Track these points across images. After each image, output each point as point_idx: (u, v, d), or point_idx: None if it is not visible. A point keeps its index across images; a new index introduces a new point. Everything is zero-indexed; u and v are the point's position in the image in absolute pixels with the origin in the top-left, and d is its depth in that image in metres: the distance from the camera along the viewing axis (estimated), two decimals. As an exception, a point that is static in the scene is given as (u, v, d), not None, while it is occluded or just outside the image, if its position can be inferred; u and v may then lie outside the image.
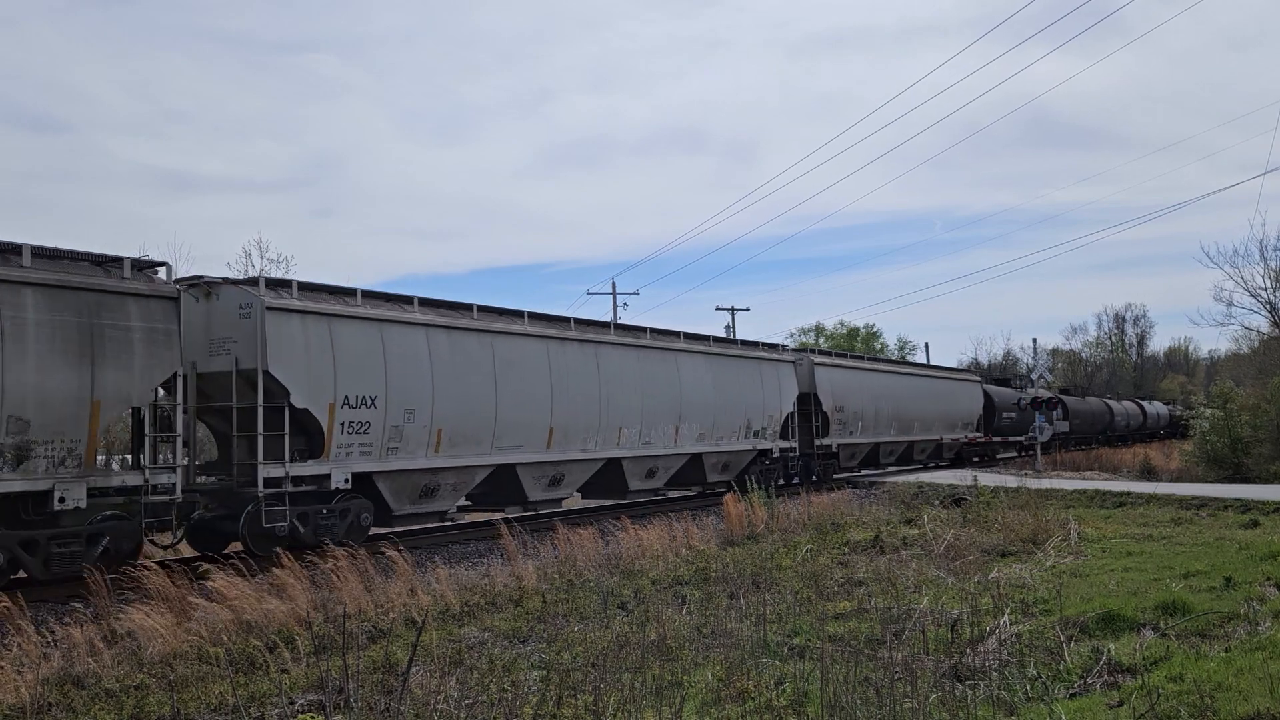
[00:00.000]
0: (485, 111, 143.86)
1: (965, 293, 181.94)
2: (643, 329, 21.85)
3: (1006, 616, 9.19)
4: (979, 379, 42.94)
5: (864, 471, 32.19)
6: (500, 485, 17.81)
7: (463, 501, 17.74)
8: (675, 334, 22.83)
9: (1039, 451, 35.18)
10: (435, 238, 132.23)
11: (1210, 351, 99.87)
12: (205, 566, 11.44)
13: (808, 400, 27.18)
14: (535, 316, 18.87)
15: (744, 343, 26.12)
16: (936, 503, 21.89)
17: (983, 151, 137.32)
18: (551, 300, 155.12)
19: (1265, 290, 38.79)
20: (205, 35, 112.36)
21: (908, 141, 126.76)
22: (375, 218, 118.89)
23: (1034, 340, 68.07)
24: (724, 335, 26.26)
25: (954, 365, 52.93)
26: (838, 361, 30.02)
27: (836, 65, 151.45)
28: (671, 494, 23.72)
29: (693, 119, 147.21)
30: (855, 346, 68.97)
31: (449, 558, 15.18)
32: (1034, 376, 41.37)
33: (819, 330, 71.85)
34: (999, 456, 42.75)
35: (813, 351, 29.04)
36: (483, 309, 17.76)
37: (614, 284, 49.69)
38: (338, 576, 11.47)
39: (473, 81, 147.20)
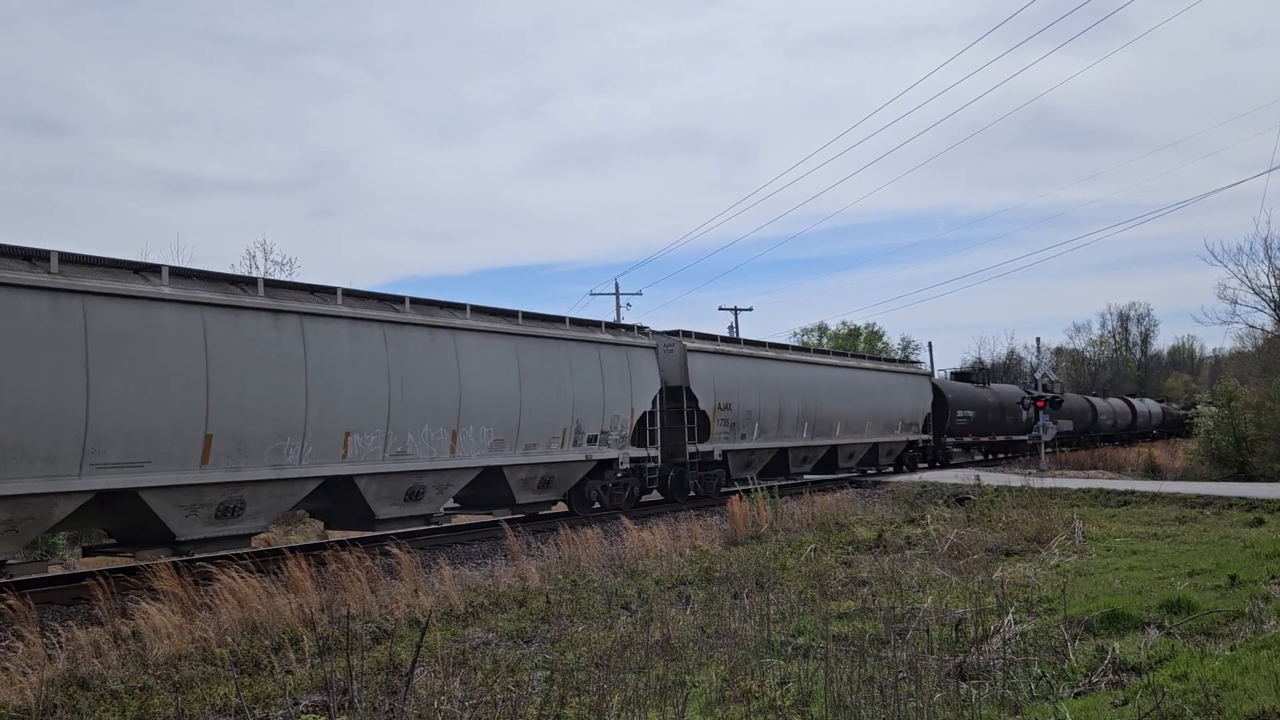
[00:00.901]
0: (485, 112, 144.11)
1: (968, 292, 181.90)
2: (400, 299, 15.77)
3: (1011, 615, 9.18)
4: (927, 373, 38.19)
5: (771, 483, 24.04)
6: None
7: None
8: (457, 307, 16.87)
9: (1042, 451, 35.12)
10: (436, 238, 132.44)
11: (1215, 350, 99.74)
12: (207, 569, 11.47)
13: (680, 396, 22.50)
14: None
15: (577, 322, 20.04)
16: (940, 502, 21.88)
17: (985, 151, 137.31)
18: (554, 301, 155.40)
19: (1270, 288, 38.80)
20: (205, 36, 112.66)
21: (909, 141, 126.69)
22: (376, 218, 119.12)
23: (1037, 339, 68.13)
24: (549, 314, 18.73)
25: (896, 357, 47.51)
26: (723, 348, 24.50)
27: (837, 65, 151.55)
28: (457, 520, 18.66)
29: (693, 119, 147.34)
30: (857, 346, 68.89)
31: (453, 558, 15.19)
32: (1037, 376, 40.40)
33: (822, 330, 71.92)
34: (953, 463, 37.99)
35: (686, 335, 23.29)
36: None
37: (617, 284, 49.66)
38: (346, 572, 11.49)
39: (473, 82, 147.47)
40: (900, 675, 6.95)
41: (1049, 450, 38.65)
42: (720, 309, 53.46)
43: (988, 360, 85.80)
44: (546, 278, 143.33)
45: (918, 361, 47.44)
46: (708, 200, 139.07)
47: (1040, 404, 34.54)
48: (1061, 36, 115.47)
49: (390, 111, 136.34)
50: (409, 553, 12.90)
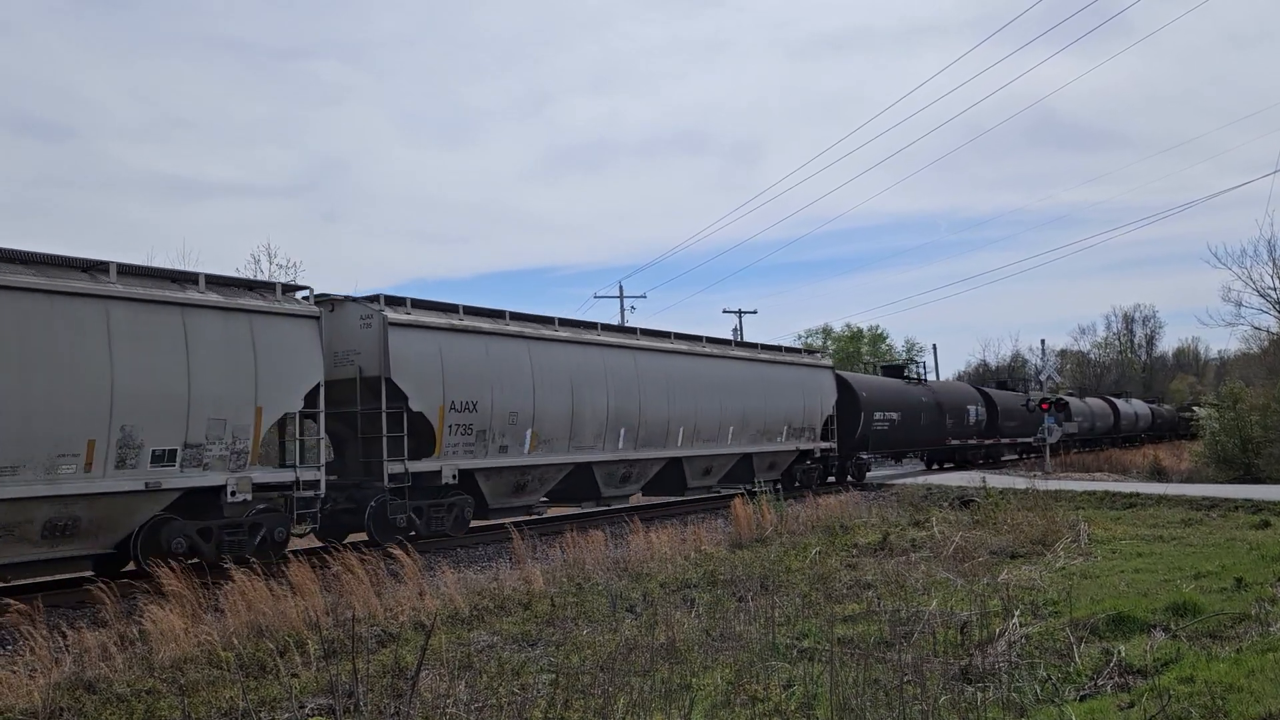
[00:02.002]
0: (487, 114, 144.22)
1: (972, 294, 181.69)
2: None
3: (1016, 618, 9.17)
4: (829, 365, 29.95)
5: (549, 514, 20.16)
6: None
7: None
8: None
9: (1048, 453, 35.07)
10: (440, 241, 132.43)
11: (1220, 352, 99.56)
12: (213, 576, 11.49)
13: (379, 391, 15.91)
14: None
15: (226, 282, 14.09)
16: (945, 504, 21.86)
17: (987, 153, 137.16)
18: (557, 303, 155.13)
19: (1274, 290, 38.68)
20: (207, 41, 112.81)
21: (912, 144, 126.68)
22: (380, 221, 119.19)
23: (1042, 341, 67.96)
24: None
25: (791, 345, 36.57)
26: (464, 323, 17.40)
27: (839, 66, 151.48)
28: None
29: (695, 121, 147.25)
30: (860, 349, 68.86)
31: (457, 561, 15.20)
32: (1042, 378, 39.94)
33: (826, 332, 71.87)
34: (869, 477, 31.22)
35: (395, 302, 16.47)
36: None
37: (621, 287, 49.43)
38: (352, 573, 11.51)
39: (474, 84, 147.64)
40: (905, 678, 6.95)
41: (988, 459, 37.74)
42: (724, 311, 53.28)
43: (992, 363, 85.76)
44: (550, 280, 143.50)
45: (816, 350, 39.08)
46: (710, 202, 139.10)
47: (1045, 406, 34.51)
48: (1064, 38, 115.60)
49: (392, 114, 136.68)
50: (412, 556, 12.92)
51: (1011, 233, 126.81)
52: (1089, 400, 55.53)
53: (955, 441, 37.18)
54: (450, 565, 14.39)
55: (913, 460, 39.64)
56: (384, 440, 15.82)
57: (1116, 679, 7.41)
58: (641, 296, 65.55)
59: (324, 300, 16.00)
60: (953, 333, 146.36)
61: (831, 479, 29.07)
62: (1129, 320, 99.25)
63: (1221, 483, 27.37)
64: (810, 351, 32.61)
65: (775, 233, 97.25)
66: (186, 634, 9.51)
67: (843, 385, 29.52)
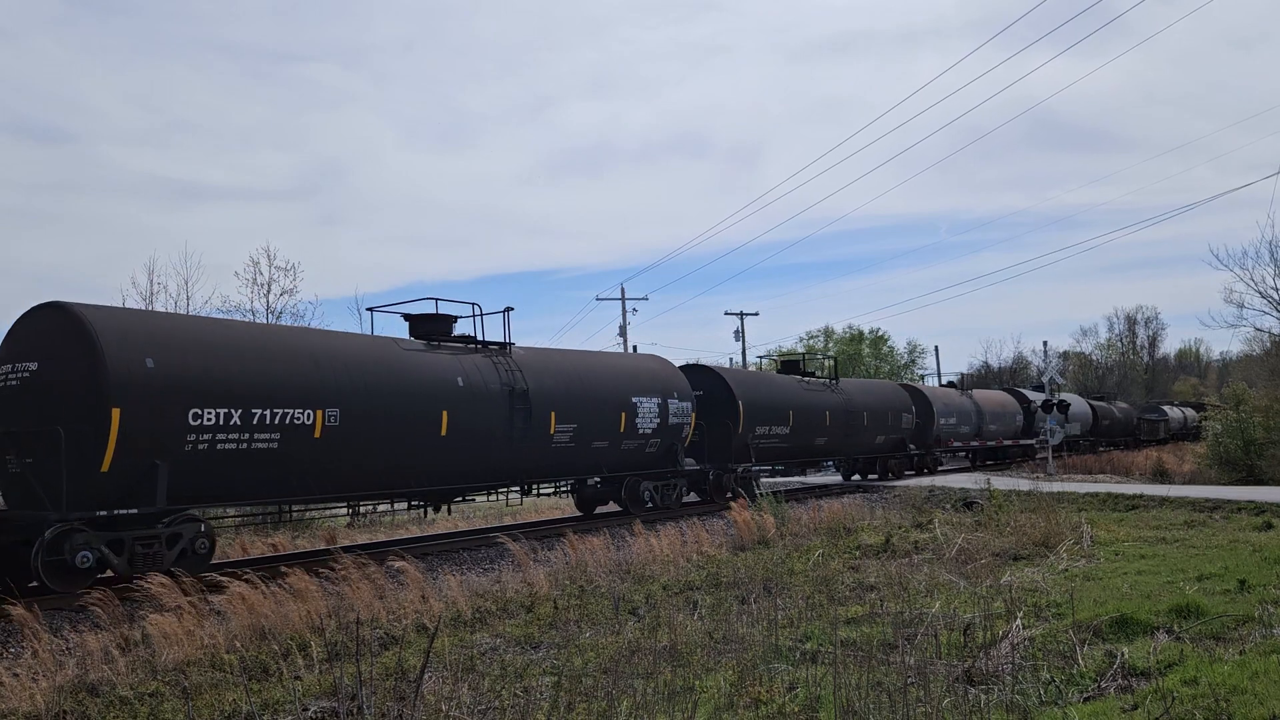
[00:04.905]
0: (486, 119, 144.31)
1: (974, 296, 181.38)
2: None
3: (1019, 620, 9.16)
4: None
5: None
6: None
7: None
8: None
9: (1050, 455, 35.04)
10: (440, 245, 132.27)
11: (1222, 353, 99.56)
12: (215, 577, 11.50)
13: None
14: None
15: None
16: (948, 507, 21.84)
17: (988, 155, 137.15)
18: (560, 306, 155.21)
19: (1276, 292, 38.58)
20: (206, 46, 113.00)
21: (913, 146, 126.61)
22: (379, 226, 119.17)
23: (1044, 343, 67.72)
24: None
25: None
26: None
27: (838, 70, 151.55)
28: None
29: (695, 124, 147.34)
30: (862, 351, 68.74)
31: (460, 564, 15.20)
32: (1045, 379, 39.67)
33: (828, 334, 71.76)
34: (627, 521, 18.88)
35: None
36: None
37: (623, 289, 49.40)
38: (355, 576, 11.52)
39: (473, 89, 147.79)
40: (909, 680, 6.95)
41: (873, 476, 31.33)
42: (726, 313, 53.23)
43: (995, 364, 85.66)
44: (551, 283, 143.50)
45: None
46: (711, 205, 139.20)
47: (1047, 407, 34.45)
48: (1064, 41, 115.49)
49: (391, 119, 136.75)
50: (415, 559, 12.93)
51: (1013, 234, 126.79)
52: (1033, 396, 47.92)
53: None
54: (453, 568, 14.39)
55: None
56: None
57: (1120, 681, 7.40)
58: (643, 299, 65.50)
59: None
60: (955, 334, 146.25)
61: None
62: (1131, 322, 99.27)
63: (1224, 485, 27.34)
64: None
65: (777, 235, 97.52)
66: (190, 636, 9.51)
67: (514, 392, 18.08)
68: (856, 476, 32.77)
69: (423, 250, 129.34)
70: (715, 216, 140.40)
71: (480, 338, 18.21)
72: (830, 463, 33.40)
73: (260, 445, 13.28)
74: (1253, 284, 38.52)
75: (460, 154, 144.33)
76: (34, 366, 12.43)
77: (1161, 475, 33.60)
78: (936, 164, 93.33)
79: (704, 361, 27.02)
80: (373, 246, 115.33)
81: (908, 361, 71.84)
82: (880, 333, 72.20)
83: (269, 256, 37.11)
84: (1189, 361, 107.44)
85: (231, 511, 16.38)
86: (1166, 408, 62.51)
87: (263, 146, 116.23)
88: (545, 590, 12.39)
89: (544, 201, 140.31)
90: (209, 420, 12.69)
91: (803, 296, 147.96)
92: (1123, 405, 59.58)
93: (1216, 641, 8.44)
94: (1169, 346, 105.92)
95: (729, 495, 23.33)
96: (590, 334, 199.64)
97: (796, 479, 33.44)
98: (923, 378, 65.27)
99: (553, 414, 18.24)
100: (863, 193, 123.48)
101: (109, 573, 12.33)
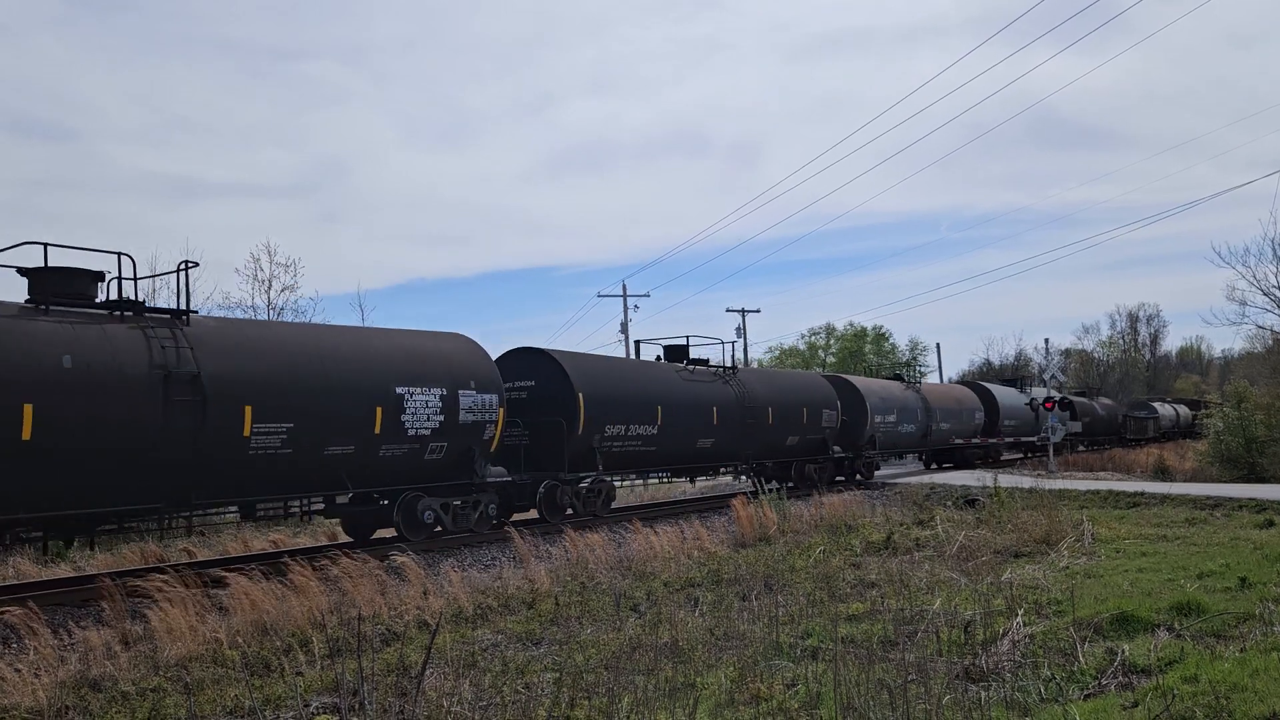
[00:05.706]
0: (487, 117, 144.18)
1: (976, 293, 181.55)
2: None
3: (1020, 618, 9.17)
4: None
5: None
6: None
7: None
8: None
9: (1052, 452, 35.00)
10: (441, 243, 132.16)
11: (1224, 351, 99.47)
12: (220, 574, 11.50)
13: None
14: None
15: None
16: (949, 504, 21.85)
17: (988, 152, 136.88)
18: (562, 304, 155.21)
19: (1279, 289, 38.54)
20: (207, 43, 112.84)
21: (914, 144, 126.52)
22: (380, 223, 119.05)
23: (1046, 340, 67.55)
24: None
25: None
26: None
27: (838, 67, 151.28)
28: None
29: (695, 122, 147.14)
30: (864, 348, 68.75)
31: (461, 561, 15.22)
32: (1046, 377, 39.36)
33: (829, 331, 71.76)
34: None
35: None
36: None
37: (624, 286, 49.38)
38: (356, 572, 11.53)
39: (473, 87, 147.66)
40: (909, 677, 6.95)
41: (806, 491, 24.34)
42: (728, 310, 53.23)
43: (996, 362, 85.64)
44: (553, 280, 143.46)
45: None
46: (712, 203, 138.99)
47: (1049, 405, 34.39)
48: (1064, 38, 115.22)
49: (392, 117, 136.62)
50: (415, 555, 12.94)
51: (1014, 232, 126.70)
52: (1002, 389, 43.84)
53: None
54: (454, 564, 14.41)
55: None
56: None
57: (1120, 679, 7.40)
58: (645, 295, 65.47)
59: None
60: (957, 332, 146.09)
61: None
62: (1133, 319, 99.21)
63: (1226, 482, 27.33)
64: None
65: (778, 231, 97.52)
66: (192, 632, 9.53)
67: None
68: (774, 484, 24.89)
69: (423, 248, 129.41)
70: (716, 214, 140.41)
71: (143, 302, 13.10)
72: (726, 469, 26.56)
73: None
74: (1255, 281, 38.46)
75: (461, 152, 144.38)
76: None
77: (1163, 473, 33.56)
78: (938, 161, 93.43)
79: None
80: (374, 243, 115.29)
81: (910, 359, 71.82)
82: (882, 330, 72.23)
83: (270, 253, 37.13)
84: (1191, 359, 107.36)
85: None
86: (1157, 404, 61.89)
87: (263, 144, 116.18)
88: (546, 587, 12.40)
89: (545, 199, 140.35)
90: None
91: (805, 293, 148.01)
92: (1106, 402, 57.93)
93: (1217, 639, 8.44)
94: (1171, 344, 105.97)
95: (569, 513, 19.31)
96: (592, 331, 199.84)
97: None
98: (924, 375, 65.27)
99: (248, 408, 13.26)
100: (864, 190, 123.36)
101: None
